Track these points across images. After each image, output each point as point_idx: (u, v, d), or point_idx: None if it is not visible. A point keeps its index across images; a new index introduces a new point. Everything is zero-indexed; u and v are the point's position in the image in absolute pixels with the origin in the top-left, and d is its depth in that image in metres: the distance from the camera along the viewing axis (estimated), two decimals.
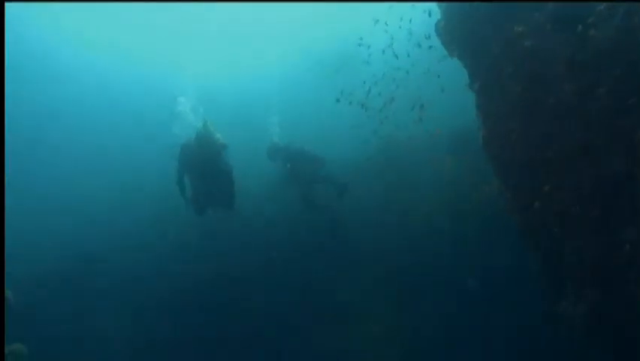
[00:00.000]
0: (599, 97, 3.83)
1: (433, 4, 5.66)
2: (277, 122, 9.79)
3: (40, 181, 12.11)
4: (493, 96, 4.59)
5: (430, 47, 6.76)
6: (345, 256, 7.94)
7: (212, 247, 8.82)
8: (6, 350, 4.93)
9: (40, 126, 14.35)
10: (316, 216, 8.75)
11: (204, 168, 7.24)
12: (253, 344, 7.23)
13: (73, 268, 9.30)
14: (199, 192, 7.46)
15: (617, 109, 3.75)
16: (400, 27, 8.41)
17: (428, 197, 7.98)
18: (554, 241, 4.11)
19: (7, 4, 7.49)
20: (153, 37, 18.36)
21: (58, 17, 16.25)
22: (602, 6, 3.77)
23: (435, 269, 6.95)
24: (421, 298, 6.65)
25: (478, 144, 4.98)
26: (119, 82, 16.50)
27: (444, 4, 5.30)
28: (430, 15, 6.58)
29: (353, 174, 9.05)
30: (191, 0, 17.34)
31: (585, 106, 3.91)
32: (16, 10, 13.17)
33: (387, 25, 8.73)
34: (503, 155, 4.44)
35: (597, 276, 3.76)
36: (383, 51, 8.70)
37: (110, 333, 7.77)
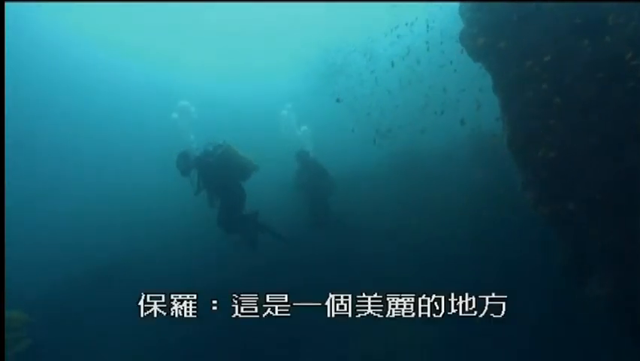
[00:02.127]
0: (617, 96, 4.04)
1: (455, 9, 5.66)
2: (307, 130, 9.72)
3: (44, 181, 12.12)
4: (517, 97, 4.74)
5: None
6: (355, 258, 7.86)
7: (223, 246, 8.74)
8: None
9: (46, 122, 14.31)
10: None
11: (232, 189, 7.14)
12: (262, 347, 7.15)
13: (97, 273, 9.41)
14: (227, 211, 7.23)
15: (634, 107, 3.95)
16: (430, 26, 8.30)
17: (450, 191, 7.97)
18: (579, 230, 4.28)
19: (7, 4, 7.32)
20: (157, 37, 18.27)
21: (61, 15, 16.11)
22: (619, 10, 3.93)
23: (458, 259, 6.90)
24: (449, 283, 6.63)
25: (495, 143, 5.06)
26: (123, 80, 16.45)
27: (467, 11, 5.40)
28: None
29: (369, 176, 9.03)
30: (196, 0, 17.23)
31: (604, 105, 4.12)
32: (17, 7, 13.03)
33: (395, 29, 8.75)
34: (528, 152, 4.60)
35: (620, 260, 3.94)
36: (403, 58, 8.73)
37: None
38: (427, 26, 8.29)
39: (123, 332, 7.74)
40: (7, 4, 7.00)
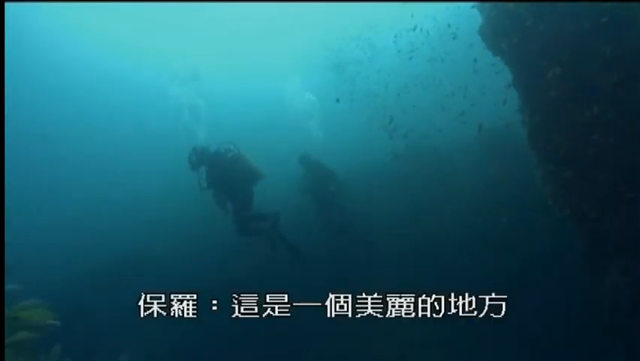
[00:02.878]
0: (636, 89, 4.03)
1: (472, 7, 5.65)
2: (312, 98, 9.72)
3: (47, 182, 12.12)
4: (538, 92, 4.73)
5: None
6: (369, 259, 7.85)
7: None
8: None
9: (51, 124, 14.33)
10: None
11: (239, 190, 7.29)
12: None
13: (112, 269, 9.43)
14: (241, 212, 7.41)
15: None
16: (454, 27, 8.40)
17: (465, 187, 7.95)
18: (598, 222, 4.30)
19: (7, 4, 7.32)
20: (157, 37, 18.18)
21: (60, 15, 16.03)
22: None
23: (464, 258, 6.89)
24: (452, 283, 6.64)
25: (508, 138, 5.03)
26: (123, 79, 16.41)
27: (485, 8, 5.35)
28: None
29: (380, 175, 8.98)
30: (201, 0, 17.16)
31: (624, 98, 4.10)
32: (17, 7, 13.01)
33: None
34: (548, 146, 4.62)
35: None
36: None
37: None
38: (448, 25, 8.50)
39: (123, 332, 7.75)
40: (7, 4, 6.98)
